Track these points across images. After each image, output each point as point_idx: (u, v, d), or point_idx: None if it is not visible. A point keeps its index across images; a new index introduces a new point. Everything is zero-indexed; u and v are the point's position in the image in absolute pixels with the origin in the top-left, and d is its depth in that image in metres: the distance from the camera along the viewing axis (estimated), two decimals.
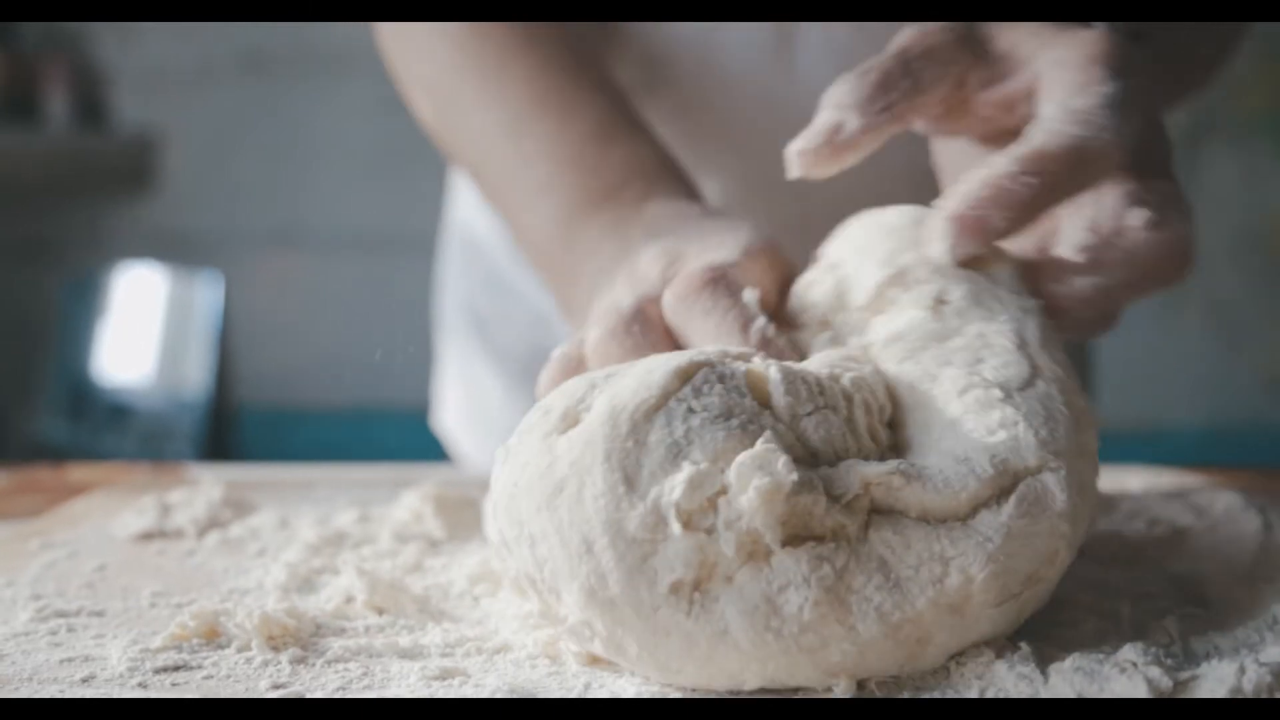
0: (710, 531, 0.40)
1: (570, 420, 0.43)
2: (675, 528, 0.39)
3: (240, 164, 3.19)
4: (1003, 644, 0.42)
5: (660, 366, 0.43)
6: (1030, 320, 0.49)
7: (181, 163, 3.20)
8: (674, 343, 0.52)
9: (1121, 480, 0.70)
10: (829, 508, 0.41)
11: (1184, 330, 3.15)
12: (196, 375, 3.13)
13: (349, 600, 0.50)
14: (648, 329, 0.51)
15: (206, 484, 0.69)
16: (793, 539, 0.40)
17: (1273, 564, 0.53)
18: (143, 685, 0.42)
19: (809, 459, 0.43)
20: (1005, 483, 0.43)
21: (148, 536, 0.61)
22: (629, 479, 0.40)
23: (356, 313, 3.18)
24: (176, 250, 3.20)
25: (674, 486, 0.40)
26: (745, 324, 0.50)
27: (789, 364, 0.45)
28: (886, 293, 0.50)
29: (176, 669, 0.43)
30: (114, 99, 3.21)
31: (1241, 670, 0.39)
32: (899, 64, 0.52)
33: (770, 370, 0.44)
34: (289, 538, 0.61)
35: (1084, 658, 0.40)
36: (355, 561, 0.55)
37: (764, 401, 0.43)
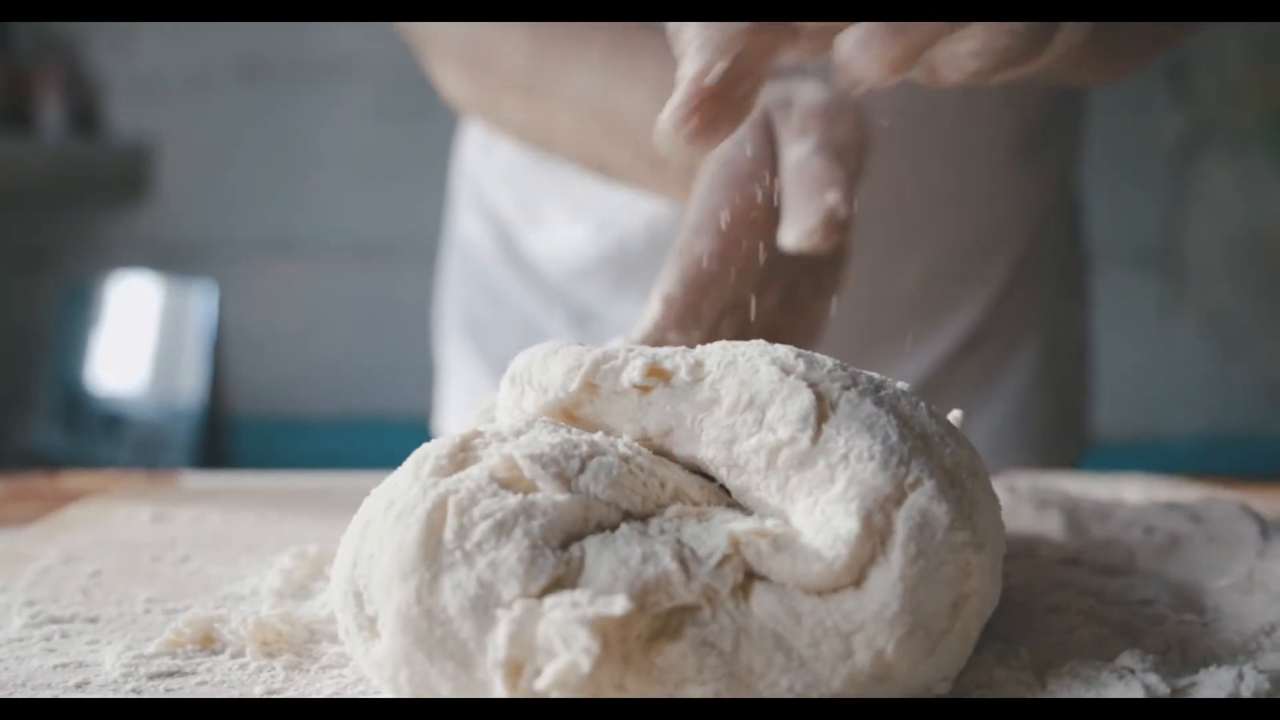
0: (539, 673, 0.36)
1: (369, 629, 0.40)
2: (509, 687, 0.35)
3: (235, 172, 3.19)
4: (1002, 649, 0.42)
5: (406, 534, 0.38)
6: (779, 348, 0.42)
7: (176, 171, 3.20)
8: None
9: (1119, 489, 0.70)
10: (691, 572, 0.37)
11: (1181, 339, 3.16)
12: (191, 384, 3.13)
13: None
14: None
15: (201, 492, 0.69)
16: (664, 624, 0.36)
17: (1270, 571, 0.53)
18: (137, 691, 0.41)
19: (615, 516, 0.39)
20: (879, 525, 0.37)
21: (142, 543, 0.61)
22: (464, 664, 0.37)
23: (351, 321, 3.18)
24: (171, 259, 3.20)
25: (496, 647, 0.36)
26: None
27: (527, 441, 0.41)
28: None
29: (170, 675, 0.43)
30: (108, 107, 3.21)
31: (1240, 677, 0.39)
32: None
33: (515, 457, 0.40)
34: (283, 544, 0.61)
35: (1082, 664, 0.40)
36: None
37: (527, 488, 0.39)
